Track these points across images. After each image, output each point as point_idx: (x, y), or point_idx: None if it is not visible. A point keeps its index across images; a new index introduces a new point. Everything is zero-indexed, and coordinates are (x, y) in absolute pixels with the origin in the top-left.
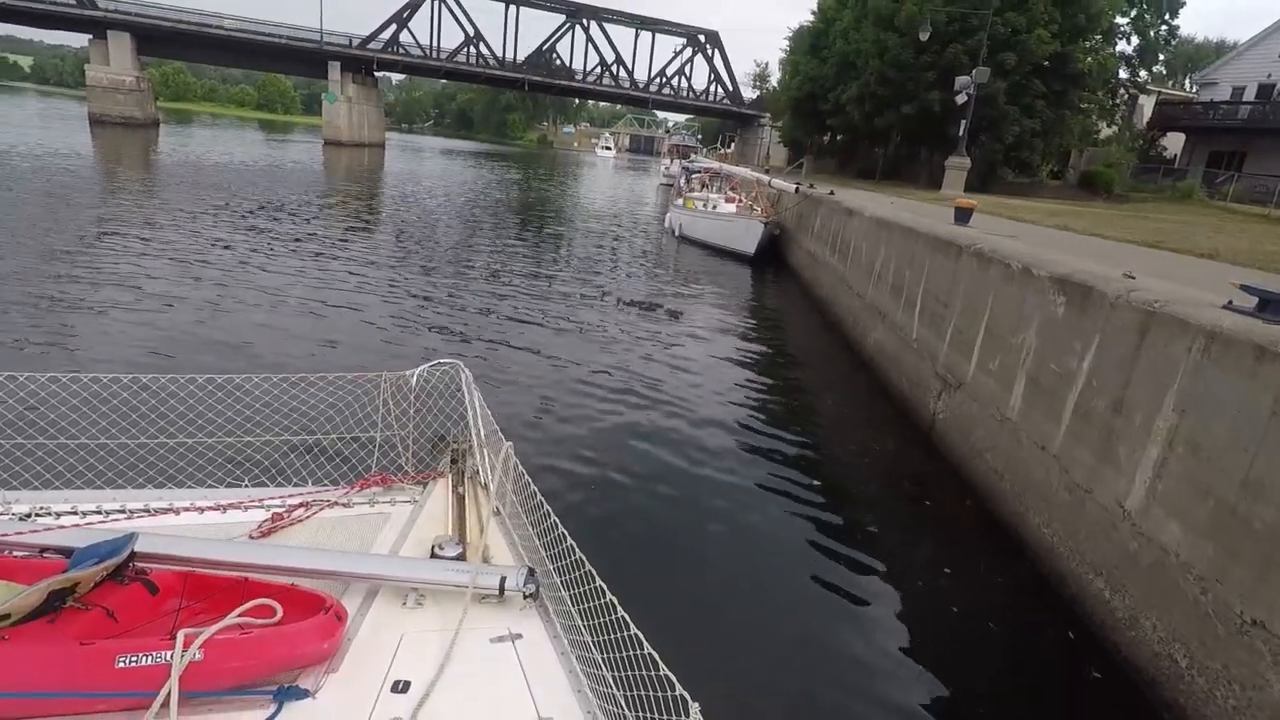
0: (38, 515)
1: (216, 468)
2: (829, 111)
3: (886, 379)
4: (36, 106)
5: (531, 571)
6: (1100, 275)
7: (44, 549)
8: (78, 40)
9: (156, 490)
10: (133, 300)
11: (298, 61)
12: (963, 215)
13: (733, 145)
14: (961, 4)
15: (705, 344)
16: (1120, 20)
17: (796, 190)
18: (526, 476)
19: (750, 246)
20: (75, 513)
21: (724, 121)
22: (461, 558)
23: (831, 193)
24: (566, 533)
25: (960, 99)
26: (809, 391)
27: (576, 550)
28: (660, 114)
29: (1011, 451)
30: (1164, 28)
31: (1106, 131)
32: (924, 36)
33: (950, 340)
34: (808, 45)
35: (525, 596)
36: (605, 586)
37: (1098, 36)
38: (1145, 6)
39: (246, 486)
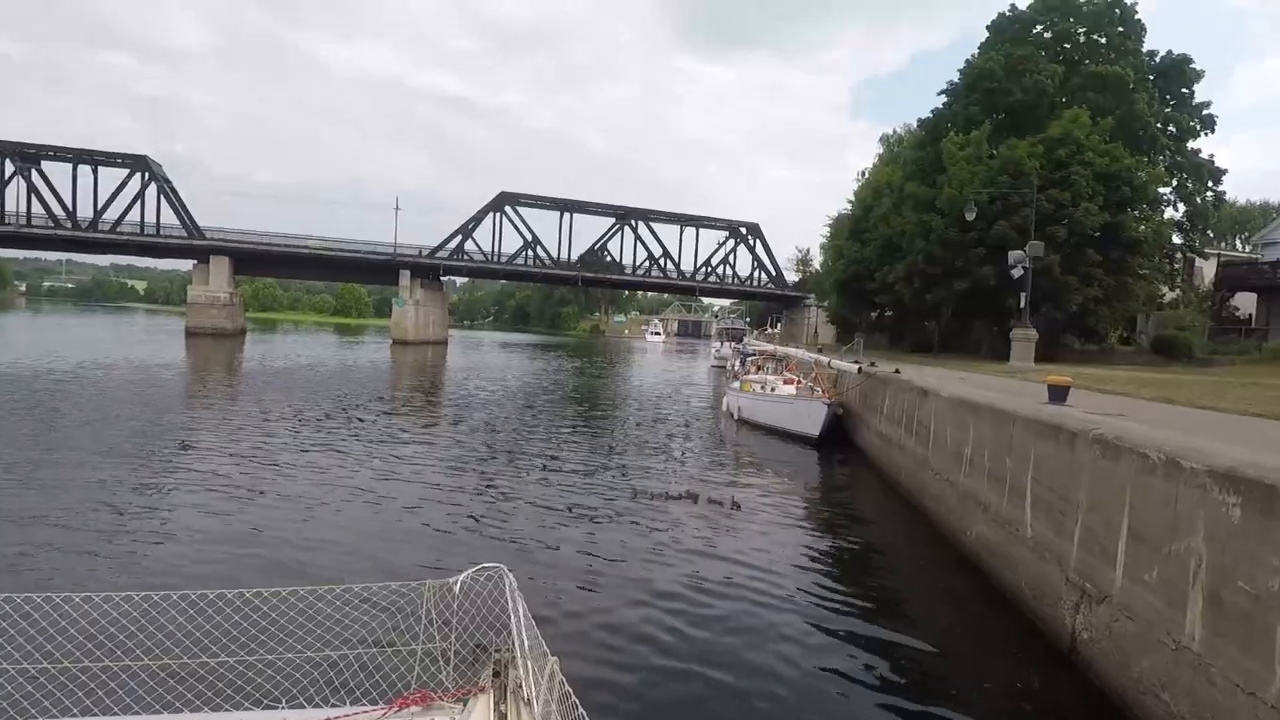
0: None
1: (254, 688)
2: (876, 290)
3: (999, 582)
4: (143, 322)
5: None
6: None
7: None
8: (186, 265)
9: (191, 715)
10: (187, 506)
11: (374, 272)
12: (1058, 394)
13: (779, 325)
14: (1001, 185)
15: (775, 539)
16: (1163, 190)
17: (860, 370)
18: (574, 697)
19: (814, 429)
20: None
21: (768, 304)
22: None
23: (897, 371)
24: None
25: (1016, 273)
26: (902, 594)
27: None
28: (706, 299)
29: (1199, 693)
30: (1209, 194)
31: (1170, 295)
32: (970, 217)
33: (1080, 541)
34: (848, 231)
35: None
36: None
37: (1144, 206)
38: (1185, 175)
39: (282, 709)
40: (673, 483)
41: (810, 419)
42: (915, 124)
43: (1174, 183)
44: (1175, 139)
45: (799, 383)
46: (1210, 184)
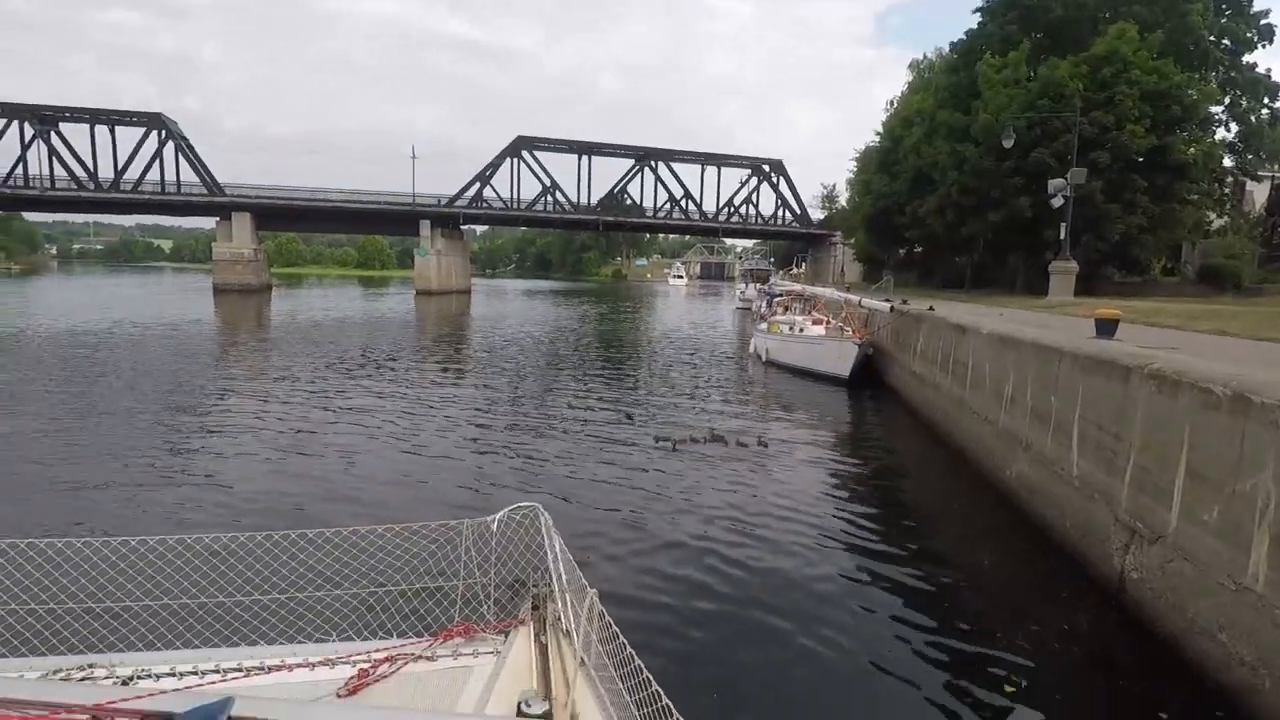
0: (139, 678)
1: (306, 623)
2: (906, 225)
3: (1042, 521)
4: (171, 281)
5: None
6: None
7: (145, 715)
8: (209, 223)
9: (249, 648)
10: (225, 457)
11: (393, 223)
12: (1107, 327)
13: (804, 265)
14: (1040, 109)
15: (808, 476)
16: (1215, 109)
17: (892, 308)
18: (614, 627)
19: (845, 369)
20: (174, 674)
21: (792, 243)
22: (547, 716)
23: (931, 308)
24: (661, 691)
25: (1056, 202)
26: (941, 533)
27: (674, 712)
28: (729, 240)
29: (1263, 634)
30: (1264, 111)
31: (1218, 222)
32: (1008, 144)
33: (1131, 480)
34: (876, 164)
35: None
36: None
37: (1194, 127)
38: (1239, 93)
39: (333, 641)
40: (700, 424)
41: (841, 359)
42: (947, 48)
43: (1226, 100)
44: (1230, 52)
45: (828, 323)
46: (1266, 100)
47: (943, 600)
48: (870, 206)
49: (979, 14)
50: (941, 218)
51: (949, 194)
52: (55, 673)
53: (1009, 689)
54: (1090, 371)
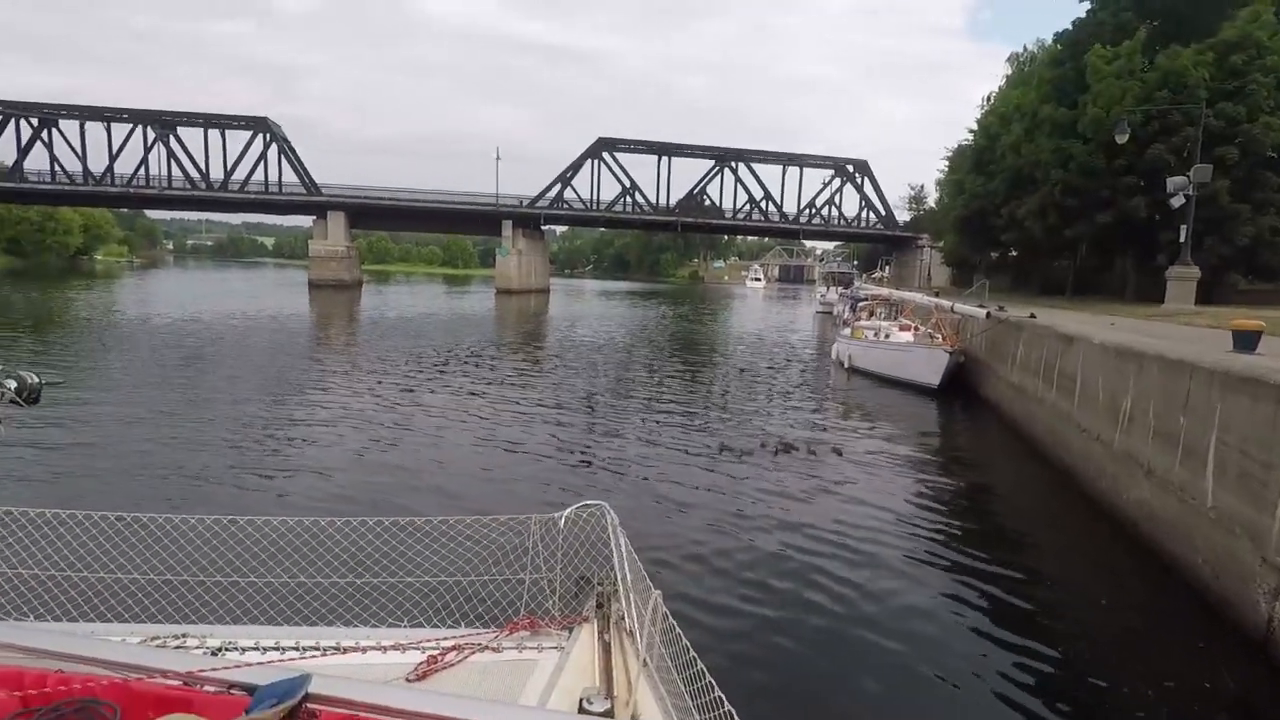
0: (226, 649)
1: (379, 607)
2: (1002, 227)
3: (1166, 553)
4: (272, 276)
5: None
6: None
7: (231, 684)
8: (307, 221)
9: (325, 628)
10: (318, 444)
11: (477, 222)
12: (1247, 340)
13: (888, 269)
14: (1158, 101)
15: (890, 488)
16: None
17: (988, 315)
18: (678, 629)
19: (935, 378)
20: (257, 648)
21: (875, 246)
22: (609, 714)
23: (1032, 315)
24: (724, 697)
25: (1176, 202)
26: (1045, 560)
27: (735, 718)
28: (809, 243)
29: None
30: None
31: None
32: (1122, 140)
33: None
34: (971, 163)
35: None
36: None
37: None
38: None
39: (405, 627)
40: (777, 431)
41: (930, 367)
42: (1050, 39)
43: None
44: None
45: (916, 329)
46: None
47: (1053, 640)
48: (963, 207)
49: (1087, 1)
50: (1042, 219)
51: (1051, 194)
52: (153, 639)
53: None
54: (1232, 390)
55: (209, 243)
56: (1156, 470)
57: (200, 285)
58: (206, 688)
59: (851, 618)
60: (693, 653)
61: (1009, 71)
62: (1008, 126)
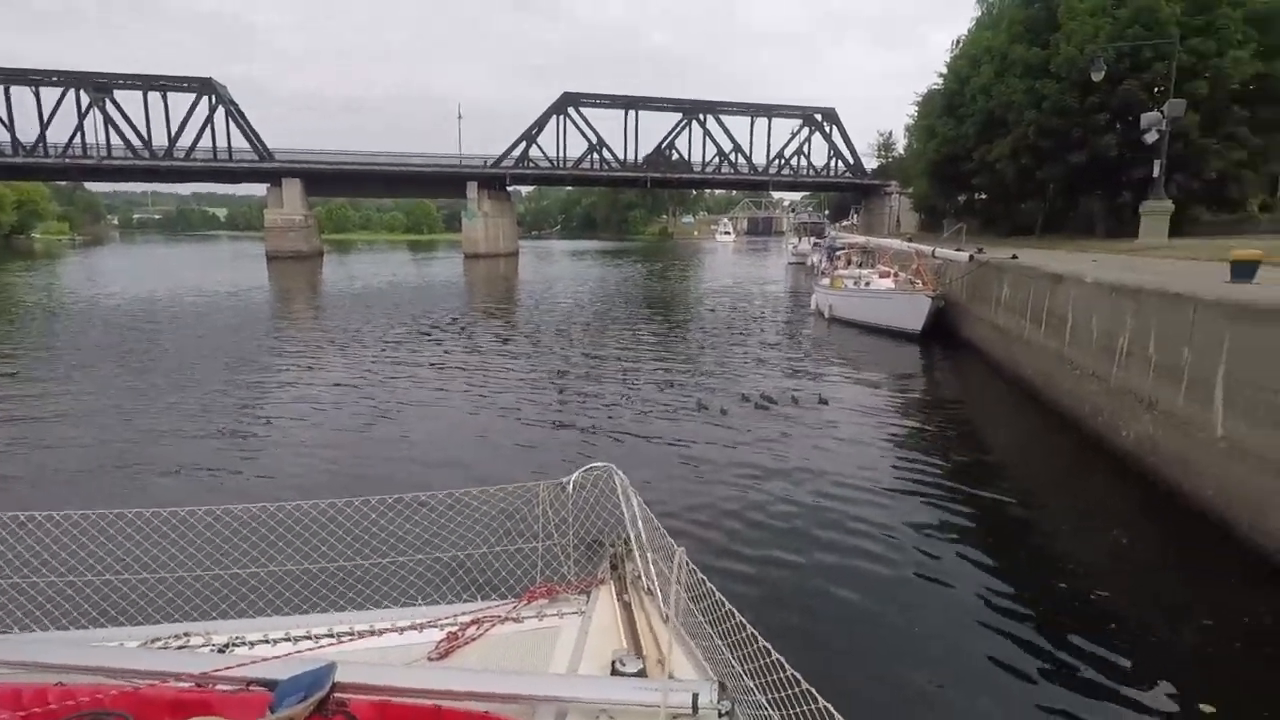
0: (234, 645)
1: (391, 588)
2: (973, 171)
3: (1173, 486)
4: (227, 248)
5: (723, 686)
6: None
7: (250, 682)
8: (261, 190)
9: (337, 614)
10: (300, 423)
11: (440, 185)
12: (1245, 270)
13: (856, 217)
14: (1130, 38)
15: (882, 434)
16: None
17: (970, 259)
18: (709, 584)
19: (917, 323)
20: (268, 641)
21: (844, 195)
22: (642, 673)
23: (1015, 257)
24: (757, 633)
25: (1150, 138)
26: (1048, 501)
27: (773, 653)
28: (776, 195)
29: None
30: None
31: None
32: (1098, 77)
33: None
34: (941, 108)
35: (721, 715)
36: (814, 690)
37: None
38: None
39: (421, 605)
40: (763, 383)
41: (912, 313)
42: None
43: None
44: None
45: (896, 275)
46: None
47: (1058, 564)
48: (935, 152)
49: None
50: (1015, 162)
51: (1026, 135)
52: (153, 641)
53: (1155, 672)
54: (1240, 320)
55: (156, 216)
56: (1159, 404)
57: (151, 262)
58: (222, 687)
59: (862, 554)
60: (719, 596)
61: (978, 13)
62: (978, 69)
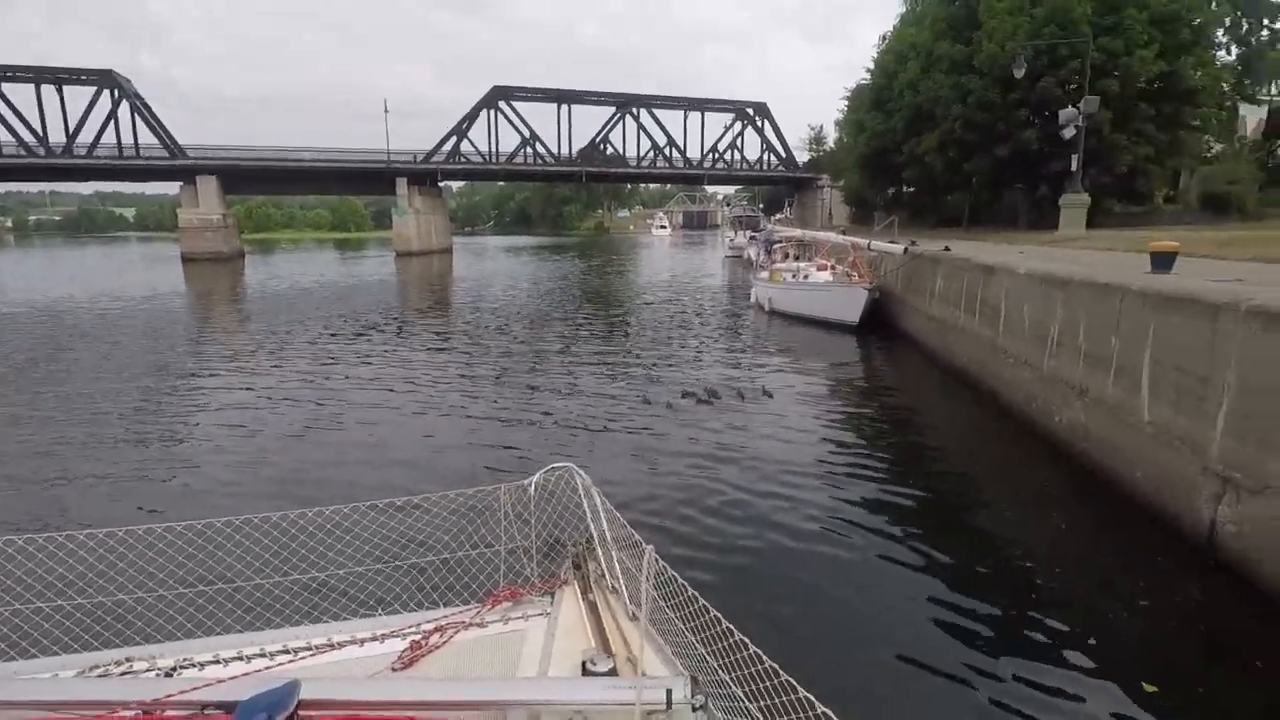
0: (182, 668)
1: (349, 599)
2: (903, 164)
3: (1104, 471)
4: (138, 251)
5: (696, 680)
6: None
7: (204, 705)
8: (173, 188)
9: (291, 629)
10: (235, 432)
11: (368, 181)
12: (1164, 261)
13: (790, 210)
14: (1047, 37)
15: (823, 424)
16: (1217, 32)
17: (905, 251)
18: (680, 580)
19: (854, 315)
20: (219, 661)
21: (777, 188)
22: (613, 672)
23: (947, 248)
24: (733, 627)
25: (1068, 133)
26: (986, 485)
27: (750, 645)
28: (711, 188)
29: None
30: (1264, 33)
31: (1215, 148)
32: (1019, 74)
33: (1226, 427)
34: (869, 102)
35: (695, 710)
36: (794, 681)
37: (1202, 50)
38: (1240, 14)
39: (379, 615)
40: (706, 376)
41: (850, 305)
42: None
43: (1227, 22)
44: None
45: (833, 268)
46: (1266, 21)
47: (993, 549)
48: (864, 146)
49: None
50: (943, 155)
51: (953, 129)
52: (92, 669)
53: (1087, 642)
54: (1165, 309)
55: (57, 217)
56: (1090, 390)
57: (53, 267)
58: (173, 713)
59: (818, 538)
60: (702, 602)
61: (903, 10)
62: (905, 64)
